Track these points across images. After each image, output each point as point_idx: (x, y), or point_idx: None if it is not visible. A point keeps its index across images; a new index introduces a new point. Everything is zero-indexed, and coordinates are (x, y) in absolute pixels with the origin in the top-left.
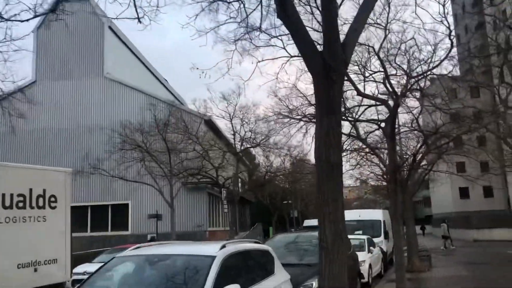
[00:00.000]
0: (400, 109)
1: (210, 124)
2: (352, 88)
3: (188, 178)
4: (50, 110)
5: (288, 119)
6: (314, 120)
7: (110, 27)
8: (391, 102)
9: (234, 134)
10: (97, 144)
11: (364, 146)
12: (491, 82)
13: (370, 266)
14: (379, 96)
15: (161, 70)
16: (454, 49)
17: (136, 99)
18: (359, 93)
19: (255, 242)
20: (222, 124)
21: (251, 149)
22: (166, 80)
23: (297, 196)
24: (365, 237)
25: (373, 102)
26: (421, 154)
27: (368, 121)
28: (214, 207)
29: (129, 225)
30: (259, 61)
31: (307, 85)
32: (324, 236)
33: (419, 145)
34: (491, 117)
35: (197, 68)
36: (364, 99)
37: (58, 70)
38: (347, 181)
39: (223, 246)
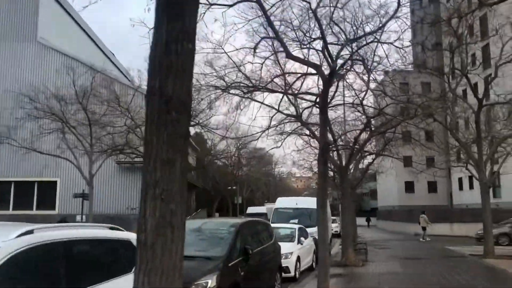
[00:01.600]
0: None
1: None
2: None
3: (117, 155)
4: None
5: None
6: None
7: None
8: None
9: None
10: (7, 110)
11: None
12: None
13: (298, 258)
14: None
15: (118, 48)
16: (406, 11)
17: (54, 61)
18: (288, 55)
19: (111, 228)
20: None
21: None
22: (113, 54)
23: (242, 182)
24: (296, 226)
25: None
26: (364, 139)
27: (302, 93)
28: None
29: (56, 204)
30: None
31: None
32: (143, 223)
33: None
34: (438, 103)
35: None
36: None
37: None
38: (293, 169)
39: (27, 233)
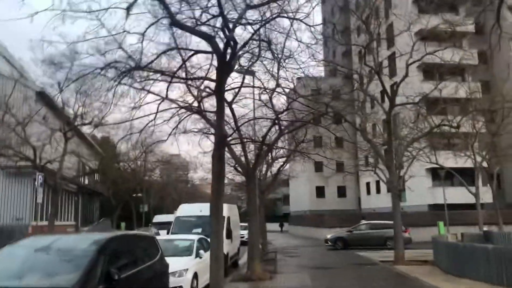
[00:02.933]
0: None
1: (43, 96)
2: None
3: None
4: None
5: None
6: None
7: None
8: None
9: (63, 108)
10: None
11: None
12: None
13: (195, 275)
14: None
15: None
16: None
17: None
18: (173, 19)
19: None
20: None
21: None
22: (5, 48)
23: (150, 189)
24: (195, 237)
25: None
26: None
27: (196, 78)
28: (44, 197)
29: None
30: None
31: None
32: None
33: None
34: (348, 101)
35: None
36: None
37: None
38: (204, 173)
39: None
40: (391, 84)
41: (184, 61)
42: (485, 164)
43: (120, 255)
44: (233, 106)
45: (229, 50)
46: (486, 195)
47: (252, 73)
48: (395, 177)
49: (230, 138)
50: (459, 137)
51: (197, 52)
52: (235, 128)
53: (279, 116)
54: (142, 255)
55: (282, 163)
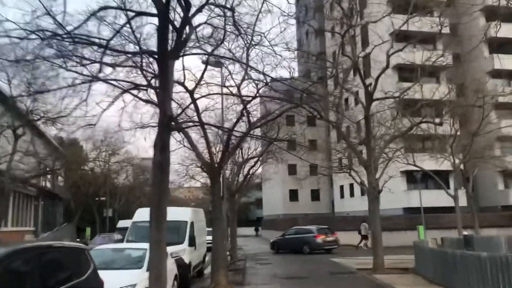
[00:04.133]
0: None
1: None
2: None
3: None
4: None
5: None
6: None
7: None
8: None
9: (13, 101)
10: None
11: None
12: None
13: None
14: None
15: None
16: None
17: None
18: None
19: None
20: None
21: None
22: None
23: (115, 192)
24: (147, 246)
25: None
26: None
27: (140, 53)
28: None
29: None
30: None
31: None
32: None
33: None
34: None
35: None
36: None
37: None
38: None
39: None
40: (367, 84)
41: (122, 26)
42: (461, 167)
43: (21, 276)
44: (204, 101)
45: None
46: (460, 198)
47: (220, 64)
48: (373, 177)
49: (182, 120)
50: (437, 138)
51: (138, 14)
52: (198, 122)
53: (247, 105)
54: (63, 272)
55: (253, 163)
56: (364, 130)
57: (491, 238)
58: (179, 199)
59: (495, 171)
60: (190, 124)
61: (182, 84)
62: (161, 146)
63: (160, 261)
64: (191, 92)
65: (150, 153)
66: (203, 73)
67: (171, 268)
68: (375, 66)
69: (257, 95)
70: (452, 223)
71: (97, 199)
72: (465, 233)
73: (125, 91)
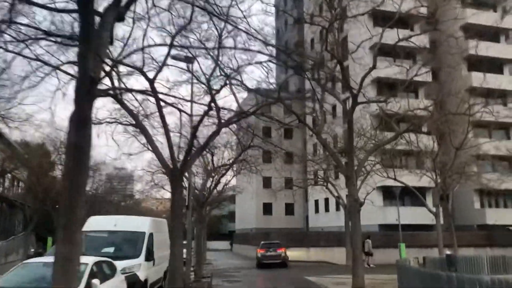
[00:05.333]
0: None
1: None
2: None
3: None
4: None
5: None
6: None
7: None
8: None
9: None
10: None
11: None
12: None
13: None
14: None
15: None
16: None
17: None
18: None
19: None
20: None
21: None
22: None
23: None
24: (90, 260)
25: None
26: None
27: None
28: None
29: None
30: None
31: None
32: None
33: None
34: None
35: None
36: None
37: None
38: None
39: None
40: (346, 97)
41: None
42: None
43: None
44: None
45: None
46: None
47: (191, 61)
48: (355, 189)
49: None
50: (417, 153)
51: None
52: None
53: (214, 96)
54: None
55: (224, 171)
56: (343, 141)
57: (473, 258)
58: (150, 210)
59: (472, 190)
60: (120, 89)
61: (141, 70)
62: (79, 119)
63: (68, 278)
64: (151, 81)
65: (112, 155)
66: (166, 58)
67: (120, 286)
68: (355, 74)
69: (227, 85)
70: (431, 241)
71: (57, 206)
72: (448, 252)
73: (54, 67)
